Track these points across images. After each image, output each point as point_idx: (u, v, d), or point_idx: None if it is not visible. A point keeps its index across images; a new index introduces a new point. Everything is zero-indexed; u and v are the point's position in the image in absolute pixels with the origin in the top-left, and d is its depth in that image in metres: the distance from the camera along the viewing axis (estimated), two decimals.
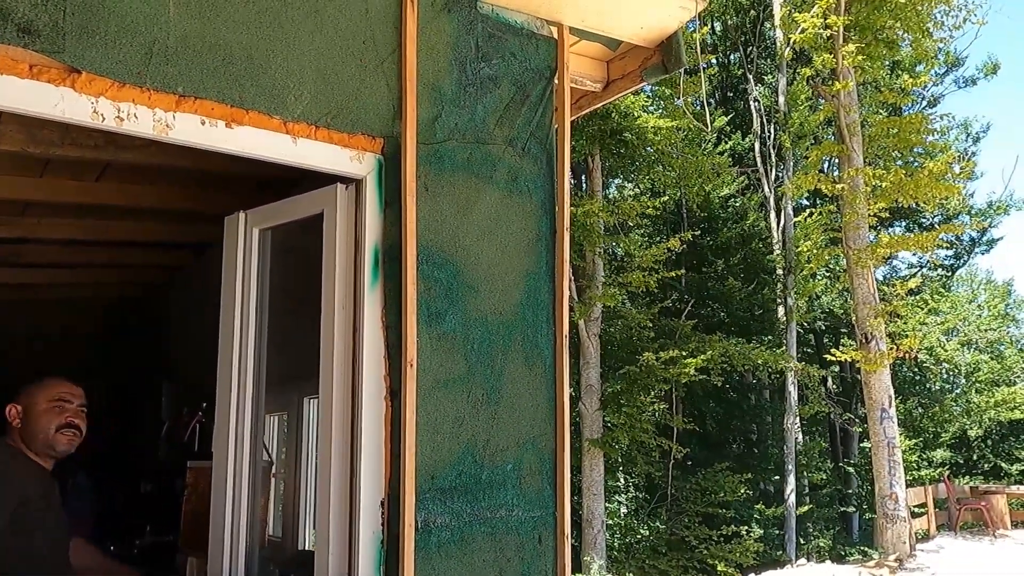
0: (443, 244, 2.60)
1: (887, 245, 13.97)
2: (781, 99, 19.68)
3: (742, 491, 16.63)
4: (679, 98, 13.99)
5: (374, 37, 2.54)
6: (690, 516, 16.11)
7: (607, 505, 16.28)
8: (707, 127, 16.00)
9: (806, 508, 18.61)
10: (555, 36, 3.01)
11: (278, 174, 2.72)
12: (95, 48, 2.03)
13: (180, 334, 5.38)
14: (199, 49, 2.20)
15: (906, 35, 13.22)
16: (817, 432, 22.71)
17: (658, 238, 18.44)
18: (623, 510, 19.40)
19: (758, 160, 20.70)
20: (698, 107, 14.63)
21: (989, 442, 25.23)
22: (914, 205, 15.33)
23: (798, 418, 18.86)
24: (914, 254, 23.27)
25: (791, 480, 18.29)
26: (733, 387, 20.80)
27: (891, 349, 12.87)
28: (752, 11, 21.05)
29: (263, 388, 2.87)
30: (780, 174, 20.52)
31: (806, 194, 18.65)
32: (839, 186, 12.68)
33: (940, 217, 22.86)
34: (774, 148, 20.38)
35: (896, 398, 13.78)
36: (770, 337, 19.45)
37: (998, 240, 25.85)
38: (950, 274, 26.45)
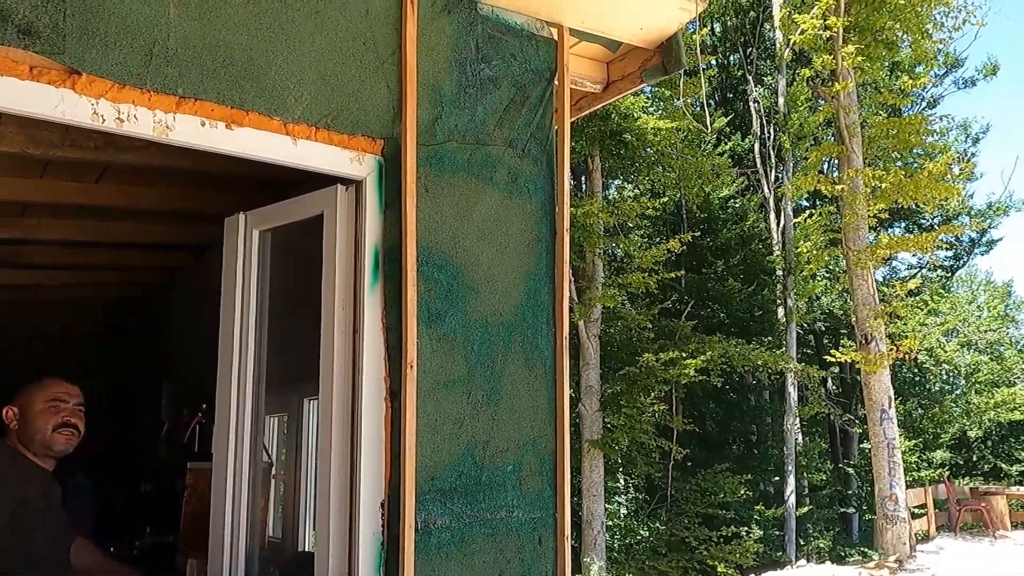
0: (443, 245, 2.60)
1: (887, 246, 13.96)
2: (781, 100, 19.67)
3: (742, 492, 16.62)
4: (679, 99, 13.98)
5: (374, 38, 2.54)
6: (690, 517, 16.12)
7: (607, 506, 16.27)
8: (707, 128, 15.99)
9: (806, 509, 18.60)
10: (555, 37, 3.01)
11: (278, 175, 2.72)
12: (95, 49, 2.03)
13: (180, 335, 5.38)
14: (199, 50, 2.20)
15: (906, 36, 13.20)
16: (817, 433, 22.70)
17: (658, 239, 18.42)
18: (623, 511, 19.38)
19: (758, 161, 20.70)
20: (698, 108, 14.63)
21: (989, 443, 25.24)
22: (914, 206, 15.32)
23: (798, 419, 18.86)
24: (914, 255, 23.31)
25: (791, 481, 18.29)
26: (733, 388, 20.80)
27: (891, 350, 12.86)
28: (752, 12, 21.05)
29: (263, 389, 2.87)
30: (780, 175, 20.52)
31: (806, 195, 18.64)
32: (839, 187, 12.67)
33: (940, 218, 22.86)
34: (774, 149, 20.38)
35: (896, 399, 13.77)
36: (770, 338, 19.44)
37: (998, 241, 25.92)
38: (950, 275, 26.46)
